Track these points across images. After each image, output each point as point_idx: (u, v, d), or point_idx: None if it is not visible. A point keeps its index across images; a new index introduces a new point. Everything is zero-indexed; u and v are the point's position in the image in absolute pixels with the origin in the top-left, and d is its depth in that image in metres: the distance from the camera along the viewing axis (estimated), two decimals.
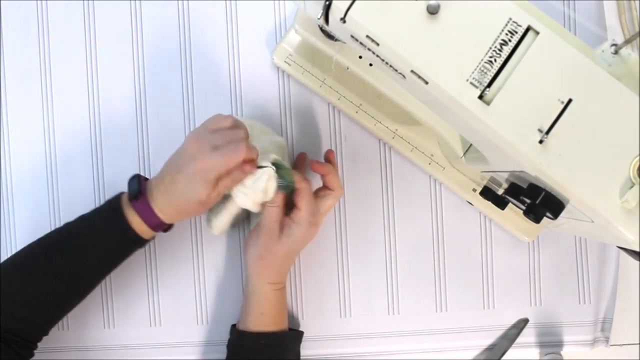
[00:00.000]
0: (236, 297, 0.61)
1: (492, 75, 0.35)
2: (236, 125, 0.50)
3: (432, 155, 0.59)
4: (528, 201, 0.41)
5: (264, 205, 0.52)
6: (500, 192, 0.54)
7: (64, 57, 0.61)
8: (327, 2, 0.36)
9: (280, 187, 0.50)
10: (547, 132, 0.35)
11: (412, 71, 0.36)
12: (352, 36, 0.38)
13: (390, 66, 0.39)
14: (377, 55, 0.38)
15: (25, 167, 0.61)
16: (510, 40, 0.35)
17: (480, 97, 0.36)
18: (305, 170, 0.59)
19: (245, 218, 0.60)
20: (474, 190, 0.59)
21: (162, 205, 0.49)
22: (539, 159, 0.35)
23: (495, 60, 0.35)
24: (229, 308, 0.61)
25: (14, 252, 0.51)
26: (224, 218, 0.54)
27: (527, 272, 0.61)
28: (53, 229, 0.60)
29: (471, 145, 0.52)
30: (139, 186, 0.49)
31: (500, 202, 0.54)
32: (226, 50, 0.61)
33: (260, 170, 0.50)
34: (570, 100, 0.35)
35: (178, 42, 0.61)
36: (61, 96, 0.61)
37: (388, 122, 0.59)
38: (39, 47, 0.61)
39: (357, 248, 0.61)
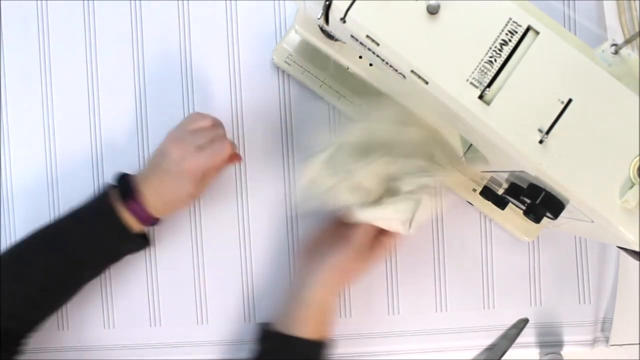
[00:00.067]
0: (236, 297, 0.61)
1: (492, 75, 0.35)
2: (216, 123, 0.53)
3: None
4: (528, 201, 0.41)
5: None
6: (500, 192, 0.54)
7: (64, 57, 0.61)
8: (327, 2, 0.36)
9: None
10: (547, 132, 0.35)
11: (412, 71, 0.36)
12: (352, 36, 0.38)
13: (390, 66, 0.39)
14: (377, 55, 0.38)
15: (25, 167, 0.61)
16: (510, 40, 0.35)
17: (480, 97, 0.36)
18: None
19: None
20: (474, 190, 0.59)
21: (152, 203, 0.51)
22: (539, 159, 0.35)
23: (495, 60, 0.35)
24: (229, 308, 0.61)
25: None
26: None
27: (527, 272, 0.61)
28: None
29: (471, 145, 0.52)
30: (130, 186, 0.51)
31: (500, 202, 0.54)
32: (226, 50, 0.61)
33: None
34: (570, 100, 0.35)
35: (178, 42, 0.61)
36: (61, 96, 0.61)
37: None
38: (39, 47, 0.61)
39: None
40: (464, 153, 0.53)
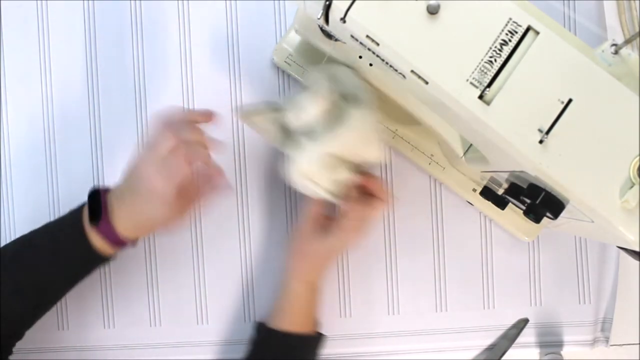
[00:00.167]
0: (236, 297, 0.61)
1: (492, 75, 0.35)
2: (192, 127, 0.47)
3: (432, 155, 0.59)
4: (528, 201, 0.41)
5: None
6: (500, 192, 0.54)
7: (64, 57, 0.61)
8: (327, 2, 0.36)
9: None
10: (547, 132, 0.35)
11: (412, 71, 0.36)
12: (352, 36, 0.38)
13: (390, 66, 0.39)
14: (377, 55, 0.38)
15: (26, 166, 0.61)
16: (510, 40, 0.35)
17: (480, 97, 0.36)
18: None
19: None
20: (474, 190, 0.59)
21: (124, 224, 0.47)
22: (539, 159, 0.35)
23: (495, 60, 0.35)
24: (229, 308, 0.61)
25: None
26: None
27: (527, 272, 0.61)
28: None
29: (471, 145, 0.52)
30: (99, 206, 0.47)
31: (500, 202, 0.54)
32: (226, 50, 0.61)
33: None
34: (570, 100, 0.35)
35: (178, 42, 0.61)
36: (61, 96, 0.61)
37: (388, 122, 0.59)
38: (39, 47, 0.61)
39: (357, 248, 0.61)
40: (464, 153, 0.53)
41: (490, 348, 0.62)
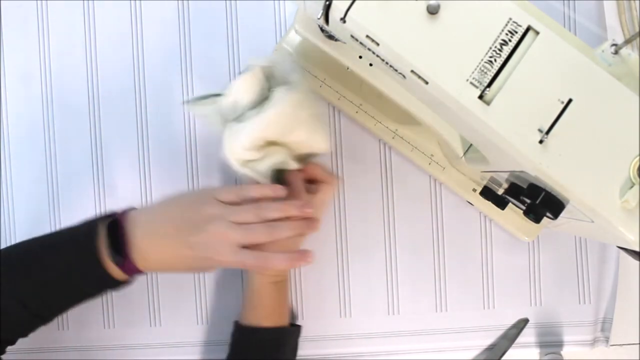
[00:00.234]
0: (236, 297, 0.61)
1: (492, 75, 0.35)
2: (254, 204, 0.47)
3: (432, 155, 0.59)
4: (528, 201, 0.41)
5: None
6: (500, 192, 0.54)
7: (64, 57, 0.61)
8: (327, 2, 0.36)
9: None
10: (547, 132, 0.35)
11: (412, 71, 0.36)
12: (352, 36, 0.38)
13: (390, 66, 0.39)
14: (377, 55, 0.38)
15: (26, 166, 0.61)
16: (510, 40, 0.35)
17: (480, 97, 0.36)
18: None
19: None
20: (474, 190, 0.59)
21: (149, 265, 0.46)
22: (539, 159, 0.35)
23: (495, 60, 0.35)
24: (229, 308, 0.61)
25: None
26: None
27: (527, 272, 0.61)
28: (52, 229, 0.60)
29: (471, 145, 0.52)
30: (118, 235, 0.45)
31: (500, 202, 0.54)
32: (226, 50, 0.61)
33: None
34: (570, 100, 0.35)
35: (178, 42, 0.61)
36: (61, 96, 0.61)
37: (388, 122, 0.59)
38: (39, 47, 0.61)
39: (357, 248, 0.61)
40: (464, 153, 0.53)
41: (490, 348, 0.62)
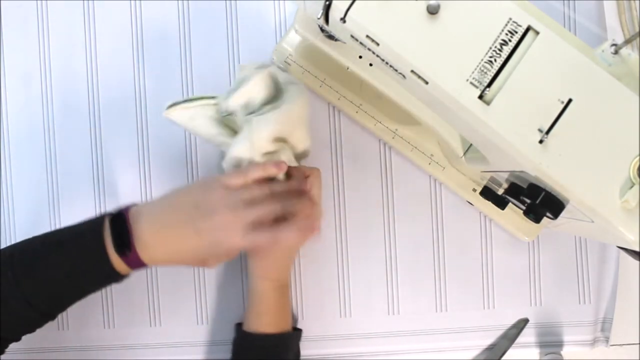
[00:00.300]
0: (236, 297, 0.61)
1: (492, 75, 0.35)
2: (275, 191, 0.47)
3: (432, 155, 0.59)
4: (528, 201, 0.41)
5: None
6: (500, 192, 0.54)
7: (64, 57, 0.61)
8: (327, 2, 0.36)
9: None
10: (547, 132, 0.35)
11: (412, 71, 0.36)
12: (352, 36, 0.38)
13: (390, 66, 0.39)
14: (377, 55, 0.38)
15: (25, 166, 0.61)
16: (510, 40, 0.35)
17: (480, 97, 0.36)
18: None
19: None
20: (474, 190, 0.59)
21: (155, 257, 0.46)
22: (539, 159, 0.35)
23: (495, 60, 0.35)
24: (229, 308, 0.61)
25: None
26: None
27: (527, 272, 0.61)
28: (52, 229, 0.60)
29: (471, 145, 0.52)
30: (124, 230, 0.45)
31: (500, 202, 0.54)
32: (226, 50, 0.61)
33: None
34: (570, 100, 0.35)
35: (178, 42, 0.61)
36: (61, 96, 0.61)
37: (388, 122, 0.59)
38: (39, 47, 0.61)
39: (357, 248, 0.61)
40: (464, 153, 0.53)
41: (490, 348, 0.62)
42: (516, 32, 0.35)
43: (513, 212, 0.58)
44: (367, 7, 0.35)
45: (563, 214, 0.39)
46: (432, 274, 0.61)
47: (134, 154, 0.61)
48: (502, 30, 0.35)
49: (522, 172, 0.40)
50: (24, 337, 0.49)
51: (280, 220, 0.47)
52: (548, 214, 0.39)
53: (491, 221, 0.61)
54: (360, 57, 0.49)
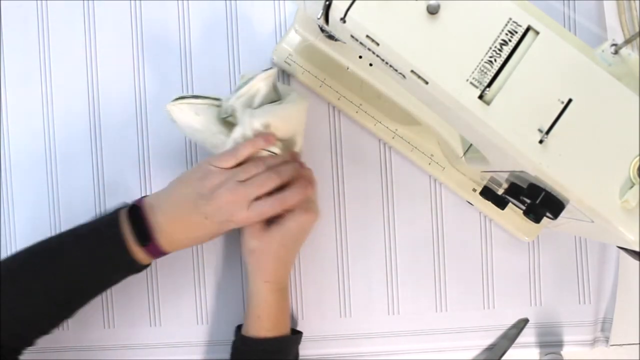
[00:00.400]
0: (236, 297, 0.61)
1: (492, 75, 0.35)
2: (269, 164, 0.49)
3: (432, 155, 0.59)
4: (528, 201, 0.41)
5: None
6: (500, 192, 0.54)
7: (64, 57, 0.61)
8: (327, 2, 0.36)
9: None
10: (547, 132, 0.35)
11: (412, 71, 0.36)
12: (352, 36, 0.38)
13: (390, 66, 0.39)
14: (377, 55, 0.38)
15: (25, 167, 0.61)
16: (510, 40, 0.35)
17: (480, 97, 0.36)
18: None
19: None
20: (474, 190, 0.59)
21: (174, 243, 0.49)
22: (539, 159, 0.35)
23: (495, 60, 0.35)
24: (229, 308, 0.61)
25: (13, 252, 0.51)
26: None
27: (527, 272, 0.62)
28: (52, 229, 0.60)
29: (471, 145, 0.52)
30: (141, 223, 0.48)
31: (500, 202, 0.54)
32: (226, 50, 0.61)
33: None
34: (570, 100, 0.35)
35: (178, 42, 0.61)
36: (61, 96, 0.61)
37: (388, 122, 0.59)
38: (39, 47, 0.61)
39: (357, 248, 0.61)
40: (464, 153, 0.53)
41: (490, 348, 0.62)
42: (516, 32, 0.35)
43: (513, 212, 0.58)
44: (367, 7, 0.35)
45: (563, 214, 0.39)
46: (432, 274, 0.61)
47: (134, 154, 0.61)
48: (502, 30, 0.35)
49: (522, 172, 0.40)
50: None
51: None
52: (548, 214, 0.39)
53: (491, 221, 0.61)
54: (360, 57, 0.49)
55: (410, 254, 0.61)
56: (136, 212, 0.48)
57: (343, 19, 0.36)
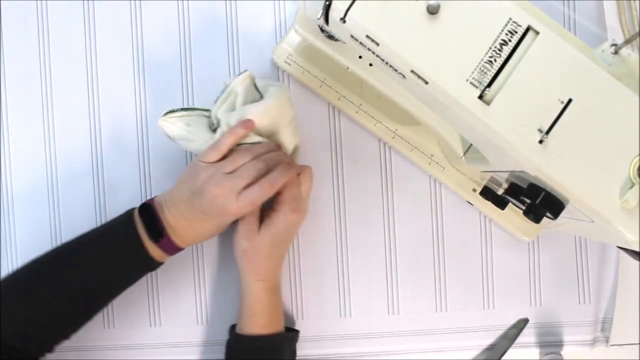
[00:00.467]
0: (236, 297, 0.61)
1: (492, 75, 0.35)
2: (256, 153, 0.50)
3: (432, 155, 0.59)
4: (528, 201, 0.41)
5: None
6: (500, 192, 0.54)
7: (64, 57, 0.61)
8: (327, 2, 0.36)
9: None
10: (547, 132, 0.35)
11: (412, 71, 0.36)
12: (352, 36, 0.38)
13: (390, 66, 0.39)
14: (377, 55, 0.38)
15: (25, 167, 0.61)
16: (510, 40, 0.35)
17: (480, 97, 0.36)
18: None
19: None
20: (474, 190, 0.59)
21: (185, 239, 0.51)
22: (539, 159, 0.35)
23: (495, 60, 0.35)
24: (229, 308, 0.61)
25: (14, 261, 0.51)
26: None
27: (527, 272, 0.62)
28: (52, 229, 0.61)
29: (471, 145, 0.52)
30: (154, 221, 0.50)
31: (500, 202, 0.54)
32: (226, 50, 0.61)
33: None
34: (570, 100, 0.35)
35: (178, 42, 0.61)
36: (61, 97, 0.61)
37: (388, 122, 0.59)
38: (39, 47, 0.61)
39: (357, 248, 0.61)
40: (464, 153, 0.53)
41: (490, 348, 0.62)
42: (516, 32, 0.35)
43: (513, 212, 0.58)
44: (367, 7, 0.35)
45: (563, 214, 0.39)
46: (432, 274, 0.61)
47: (134, 154, 0.61)
48: (502, 30, 0.35)
49: (522, 172, 0.40)
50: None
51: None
52: (548, 214, 0.39)
53: (491, 221, 0.61)
54: (360, 57, 0.49)
55: (410, 254, 0.61)
56: (148, 210, 0.50)
57: (343, 19, 0.36)
